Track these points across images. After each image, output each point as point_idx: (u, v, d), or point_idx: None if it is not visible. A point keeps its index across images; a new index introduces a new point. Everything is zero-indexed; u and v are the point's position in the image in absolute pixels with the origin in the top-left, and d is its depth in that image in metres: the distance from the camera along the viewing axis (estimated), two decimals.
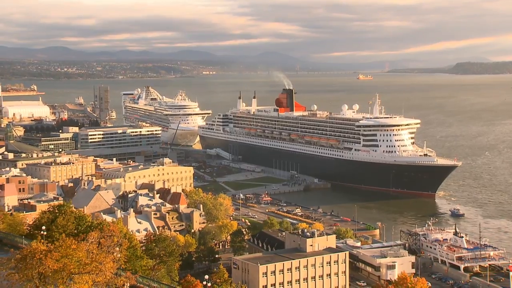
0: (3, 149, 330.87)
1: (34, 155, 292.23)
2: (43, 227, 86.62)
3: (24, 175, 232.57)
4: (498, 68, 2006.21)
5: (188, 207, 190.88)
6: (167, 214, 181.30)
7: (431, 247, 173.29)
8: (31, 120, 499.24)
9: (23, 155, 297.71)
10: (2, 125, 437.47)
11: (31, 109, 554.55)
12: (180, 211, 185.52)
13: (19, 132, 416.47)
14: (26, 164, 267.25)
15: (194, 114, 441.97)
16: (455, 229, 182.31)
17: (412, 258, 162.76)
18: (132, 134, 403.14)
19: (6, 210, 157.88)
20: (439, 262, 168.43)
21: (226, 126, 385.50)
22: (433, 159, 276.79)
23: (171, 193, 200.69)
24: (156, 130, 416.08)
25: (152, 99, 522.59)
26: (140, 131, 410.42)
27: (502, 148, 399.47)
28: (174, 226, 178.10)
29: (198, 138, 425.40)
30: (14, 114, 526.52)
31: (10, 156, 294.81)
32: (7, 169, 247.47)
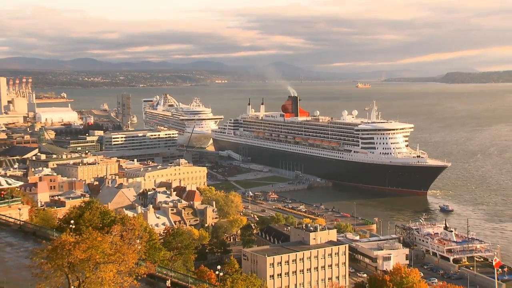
0: (37, 150, 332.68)
1: (64, 156, 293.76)
2: (72, 221, 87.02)
3: (55, 174, 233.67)
4: (485, 78, 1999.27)
5: (202, 204, 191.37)
6: (183, 210, 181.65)
7: (423, 240, 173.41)
8: (61, 125, 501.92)
9: (54, 156, 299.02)
10: (36, 129, 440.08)
11: (61, 115, 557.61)
12: (195, 207, 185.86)
13: (51, 135, 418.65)
14: (56, 164, 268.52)
15: (207, 119, 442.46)
16: (445, 224, 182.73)
17: (406, 251, 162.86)
18: (152, 137, 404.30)
19: (39, 205, 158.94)
20: (431, 254, 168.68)
21: (236, 130, 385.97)
22: (425, 160, 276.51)
23: (187, 191, 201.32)
24: (173, 134, 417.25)
25: (169, 105, 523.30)
26: (159, 135, 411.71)
27: (492, 151, 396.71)
28: (189, 221, 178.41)
29: (211, 141, 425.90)
30: (46, 119, 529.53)
31: (43, 157, 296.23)
32: (40, 168, 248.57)
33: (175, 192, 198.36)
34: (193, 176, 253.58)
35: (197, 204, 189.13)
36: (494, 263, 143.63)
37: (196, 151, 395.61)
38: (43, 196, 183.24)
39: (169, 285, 60.54)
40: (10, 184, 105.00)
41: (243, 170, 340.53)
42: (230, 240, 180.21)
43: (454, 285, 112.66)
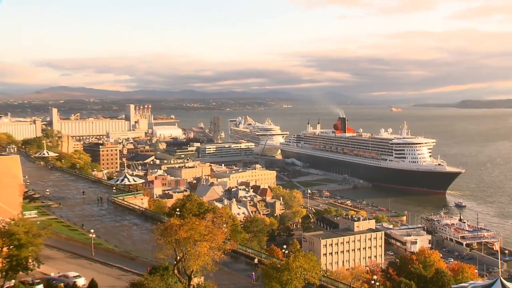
0: (153, 157, 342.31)
1: (172, 161, 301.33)
2: (177, 209, 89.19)
3: (166, 174, 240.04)
4: (491, 104, 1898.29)
5: (272, 199, 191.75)
6: (258, 203, 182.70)
7: (442, 229, 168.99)
8: (170, 138, 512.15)
9: (165, 161, 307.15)
10: (153, 142, 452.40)
11: (170, 131, 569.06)
12: (267, 201, 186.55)
13: (163, 146, 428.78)
14: (167, 167, 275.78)
15: (276, 134, 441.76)
16: (460, 216, 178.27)
17: (429, 237, 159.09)
18: (235, 148, 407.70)
19: (155, 197, 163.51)
20: (448, 239, 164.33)
21: (298, 143, 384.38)
22: (444, 168, 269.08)
23: (261, 188, 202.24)
24: (251, 145, 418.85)
25: (248, 124, 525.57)
26: (240, 146, 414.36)
27: (498, 161, 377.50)
28: (263, 211, 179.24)
29: (279, 151, 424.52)
30: (160, 134, 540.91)
31: (157, 162, 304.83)
32: (155, 170, 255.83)
33: (252, 189, 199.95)
34: (265, 177, 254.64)
35: (269, 198, 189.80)
36: (494, 247, 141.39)
37: (268, 158, 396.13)
38: (157, 190, 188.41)
39: (257, 261, 60.77)
40: (135, 181, 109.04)
41: (303, 174, 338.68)
42: (293, 226, 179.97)
43: (466, 264, 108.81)
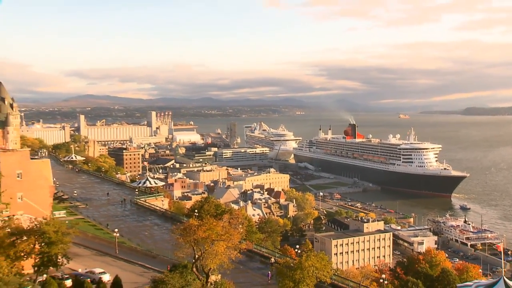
0: (173, 161, 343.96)
1: (191, 165, 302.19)
2: (196, 210, 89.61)
3: (185, 177, 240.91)
4: (494, 112, 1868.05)
5: (285, 201, 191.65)
6: (272, 204, 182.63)
7: (448, 230, 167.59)
8: (189, 143, 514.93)
9: (184, 165, 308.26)
10: (173, 146, 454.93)
11: (190, 136, 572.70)
12: (280, 203, 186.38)
13: (182, 150, 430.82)
14: (186, 170, 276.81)
15: (290, 140, 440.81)
16: (465, 218, 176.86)
17: (435, 238, 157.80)
18: (250, 152, 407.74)
19: (175, 199, 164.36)
20: (453, 240, 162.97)
21: (311, 148, 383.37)
22: (449, 172, 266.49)
23: (275, 191, 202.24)
24: (265, 150, 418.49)
25: (263, 130, 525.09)
26: (255, 151, 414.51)
27: (502, 166, 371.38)
28: (276, 213, 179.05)
29: (292, 156, 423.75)
30: (179, 140, 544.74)
31: (177, 165, 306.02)
32: (175, 173, 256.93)
33: (266, 192, 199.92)
34: (279, 180, 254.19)
35: (282, 200, 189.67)
36: (497, 247, 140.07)
37: (282, 162, 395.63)
38: (177, 192, 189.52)
39: (273, 261, 60.70)
40: (156, 184, 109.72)
41: (315, 177, 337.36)
42: (306, 227, 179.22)
43: (471, 263, 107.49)
